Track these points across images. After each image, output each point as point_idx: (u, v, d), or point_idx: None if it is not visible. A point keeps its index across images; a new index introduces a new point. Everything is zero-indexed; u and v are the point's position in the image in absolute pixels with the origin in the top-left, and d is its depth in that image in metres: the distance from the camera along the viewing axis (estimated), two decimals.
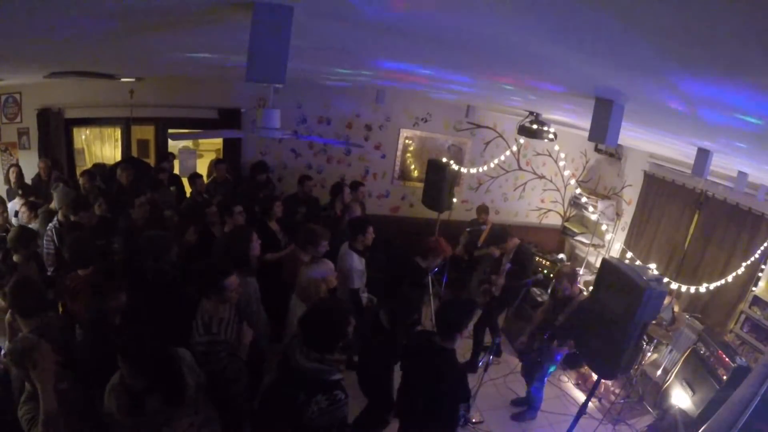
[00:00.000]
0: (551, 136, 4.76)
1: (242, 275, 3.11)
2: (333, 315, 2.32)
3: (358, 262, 3.95)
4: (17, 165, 5.23)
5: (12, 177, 5.06)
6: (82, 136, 6.48)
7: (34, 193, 4.93)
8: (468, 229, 6.11)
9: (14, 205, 4.73)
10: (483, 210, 6.14)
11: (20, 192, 4.81)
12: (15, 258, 3.54)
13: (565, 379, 5.14)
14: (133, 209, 4.22)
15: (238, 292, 2.82)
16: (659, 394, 4.55)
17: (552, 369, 4.26)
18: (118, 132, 6.34)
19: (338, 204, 5.38)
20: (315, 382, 2.20)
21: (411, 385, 2.85)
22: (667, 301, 4.61)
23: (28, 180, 5.25)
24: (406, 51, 2.06)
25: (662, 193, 6.01)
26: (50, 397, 2.05)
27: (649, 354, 4.69)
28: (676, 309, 4.61)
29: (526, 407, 4.48)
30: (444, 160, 5.67)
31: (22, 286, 2.66)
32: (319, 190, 6.34)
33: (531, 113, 4.74)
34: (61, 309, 3.24)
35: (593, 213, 6.56)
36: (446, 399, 2.60)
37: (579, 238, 7.08)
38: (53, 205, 4.55)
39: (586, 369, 5.02)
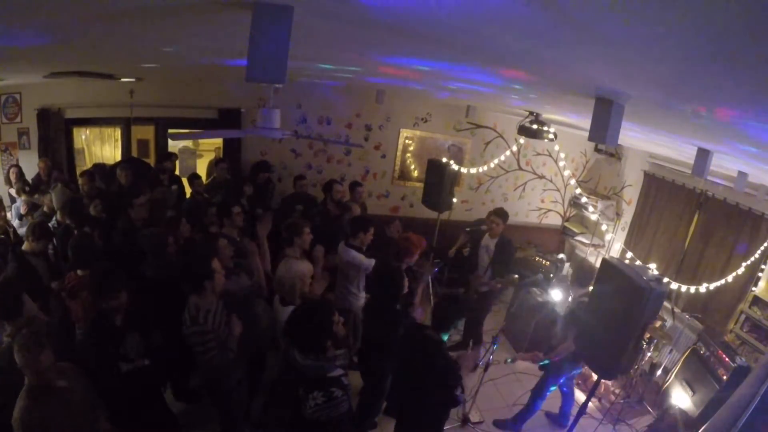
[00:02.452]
0: (551, 136, 4.76)
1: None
2: (315, 318, 2.31)
3: (358, 255, 3.97)
4: (17, 165, 5.23)
5: (12, 177, 5.06)
6: (82, 136, 6.47)
7: (34, 194, 4.93)
8: (467, 229, 6.10)
9: (21, 204, 4.75)
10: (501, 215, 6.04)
11: (27, 189, 4.82)
12: (25, 247, 3.56)
13: None
14: (132, 209, 4.22)
15: (222, 274, 2.87)
16: (659, 394, 4.55)
17: (553, 388, 4.11)
18: (118, 132, 6.33)
19: (329, 201, 5.39)
20: (312, 378, 2.23)
21: (404, 374, 2.91)
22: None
23: (28, 180, 5.25)
24: (408, 47, 2.05)
25: (662, 193, 6.00)
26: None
27: (649, 354, 4.69)
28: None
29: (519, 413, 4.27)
30: (444, 160, 5.66)
31: (3, 289, 2.67)
32: (319, 190, 6.34)
33: (531, 113, 4.74)
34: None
35: (593, 213, 6.56)
36: (435, 383, 2.67)
37: (579, 238, 7.08)
38: (45, 207, 4.55)
39: (586, 369, 5.02)
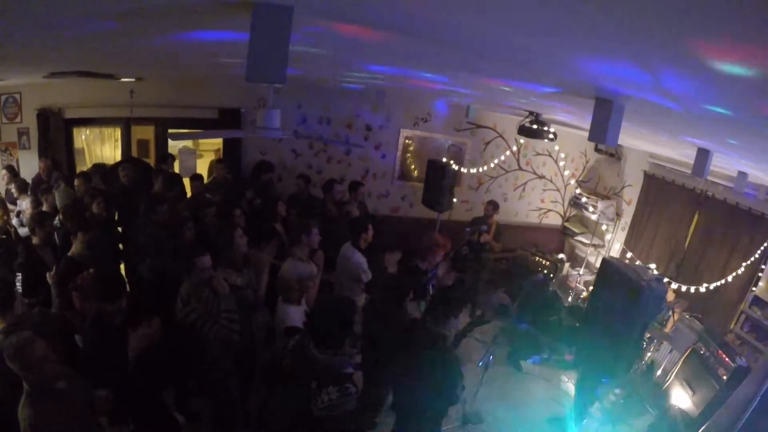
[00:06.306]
0: (551, 136, 4.76)
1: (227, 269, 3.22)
2: (339, 314, 2.38)
3: (362, 259, 3.97)
4: (8, 167, 5.21)
5: (5, 179, 5.04)
6: (82, 136, 6.47)
7: (34, 194, 4.92)
8: (467, 229, 6.08)
9: (20, 204, 4.74)
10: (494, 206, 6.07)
11: (28, 192, 4.81)
12: (34, 240, 3.66)
13: (565, 379, 5.13)
14: (155, 214, 4.17)
15: (210, 273, 2.93)
16: (659, 394, 4.55)
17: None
18: (118, 132, 6.33)
19: (329, 201, 5.38)
20: (327, 373, 2.26)
21: (404, 370, 2.88)
22: (671, 297, 4.59)
23: (24, 179, 5.22)
24: (408, 52, 2.06)
25: (662, 193, 6.00)
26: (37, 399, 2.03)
27: (649, 354, 4.69)
28: (675, 316, 4.61)
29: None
30: (444, 160, 5.67)
31: None
32: (319, 190, 6.34)
33: (531, 113, 4.74)
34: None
35: (593, 213, 6.56)
36: (441, 378, 2.67)
37: (579, 238, 7.08)
38: (45, 207, 4.55)
39: None
